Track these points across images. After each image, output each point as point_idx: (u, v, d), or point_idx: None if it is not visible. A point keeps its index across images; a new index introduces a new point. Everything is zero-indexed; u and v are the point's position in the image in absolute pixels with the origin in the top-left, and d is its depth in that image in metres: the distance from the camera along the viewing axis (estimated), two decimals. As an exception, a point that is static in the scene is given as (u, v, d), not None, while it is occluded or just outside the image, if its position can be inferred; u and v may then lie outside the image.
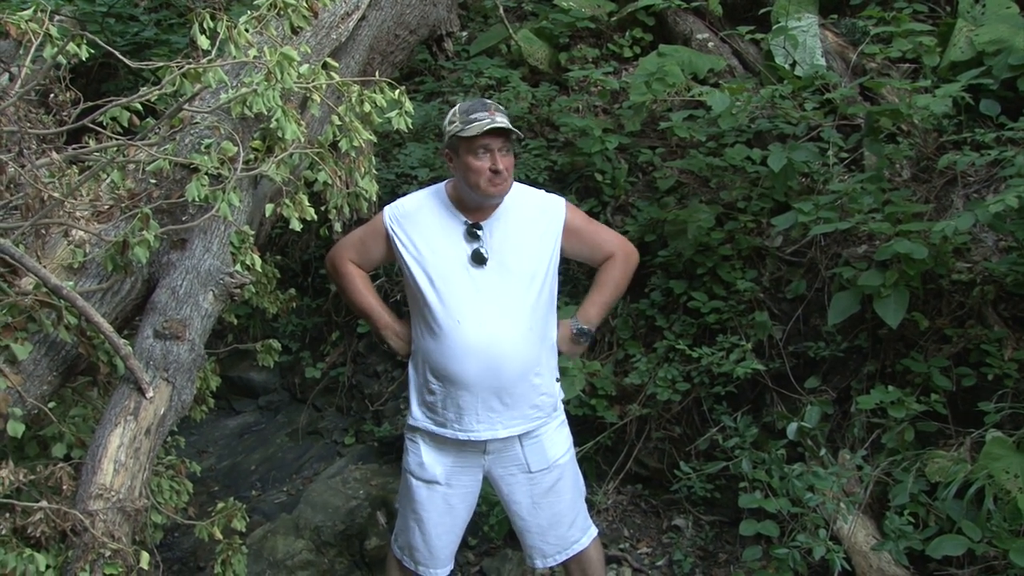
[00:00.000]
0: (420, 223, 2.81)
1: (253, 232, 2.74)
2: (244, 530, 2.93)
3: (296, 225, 2.65)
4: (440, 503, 2.91)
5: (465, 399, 2.79)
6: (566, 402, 3.90)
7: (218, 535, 2.77)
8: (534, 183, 4.70)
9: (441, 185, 2.88)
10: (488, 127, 2.62)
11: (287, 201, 2.63)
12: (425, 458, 2.89)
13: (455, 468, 2.90)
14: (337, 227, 3.12)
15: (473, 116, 2.65)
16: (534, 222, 2.84)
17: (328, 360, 5.26)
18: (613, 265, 3.02)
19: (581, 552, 3.07)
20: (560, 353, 3.01)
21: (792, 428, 3.52)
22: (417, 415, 2.89)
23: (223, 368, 3.80)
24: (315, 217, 2.71)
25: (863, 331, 3.69)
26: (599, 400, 4.06)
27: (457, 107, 2.73)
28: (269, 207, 2.66)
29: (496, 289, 2.76)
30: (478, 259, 2.75)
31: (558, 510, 2.99)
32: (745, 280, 3.98)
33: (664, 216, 4.23)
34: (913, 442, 3.33)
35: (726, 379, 3.82)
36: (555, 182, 4.79)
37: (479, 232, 2.77)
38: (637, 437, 4.11)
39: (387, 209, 2.88)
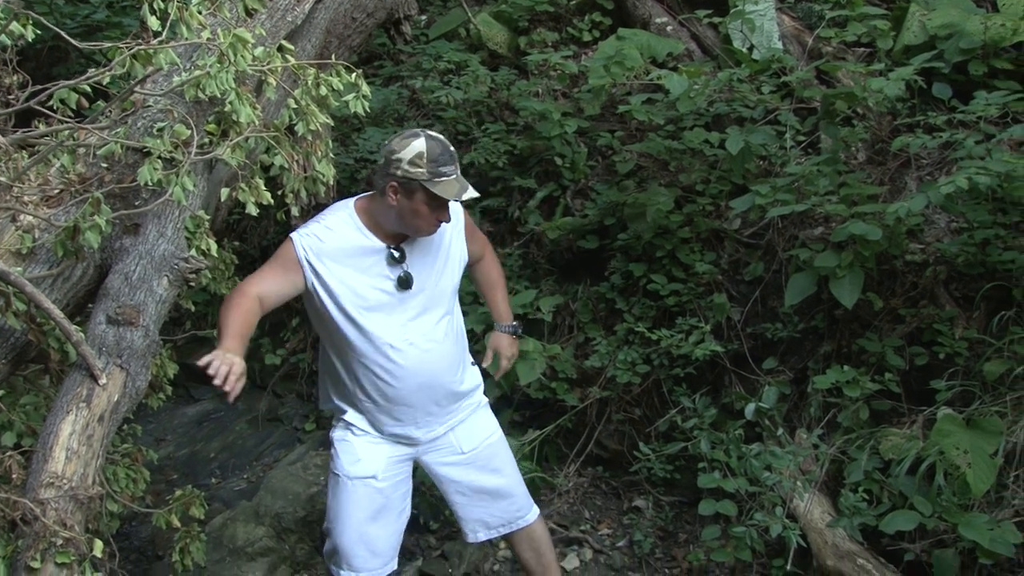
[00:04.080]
0: (339, 257, 2.69)
1: (209, 217, 2.70)
2: (203, 517, 2.92)
3: (252, 210, 2.62)
4: (378, 498, 2.89)
5: (402, 411, 2.85)
6: (526, 385, 3.95)
7: (176, 523, 2.74)
8: (494, 167, 4.72)
9: (349, 209, 2.77)
10: (465, 198, 2.61)
11: (243, 185, 2.60)
12: (361, 453, 2.88)
13: (390, 460, 2.92)
14: (295, 211, 3.08)
15: (442, 169, 2.58)
16: (443, 231, 2.81)
17: (288, 346, 5.22)
18: (492, 262, 3.19)
19: (529, 527, 3.12)
20: (506, 358, 3.22)
21: (750, 408, 3.58)
22: (351, 418, 2.89)
23: (181, 355, 3.75)
24: (272, 202, 2.67)
25: (819, 312, 3.74)
26: (560, 383, 4.07)
27: (420, 148, 2.58)
28: (225, 191, 2.63)
29: (422, 307, 2.78)
30: (404, 284, 2.73)
31: (500, 484, 3.05)
32: (704, 262, 4.01)
33: (623, 199, 4.24)
34: (867, 420, 3.39)
35: (685, 361, 3.86)
36: (515, 166, 4.78)
37: (401, 256, 2.74)
38: (597, 419, 4.13)
39: (299, 240, 2.69)
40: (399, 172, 2.59)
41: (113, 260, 2.44)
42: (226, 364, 2.32)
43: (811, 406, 3.57)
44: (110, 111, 2.56)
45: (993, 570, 2.95)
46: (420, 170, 2.58)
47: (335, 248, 2.69)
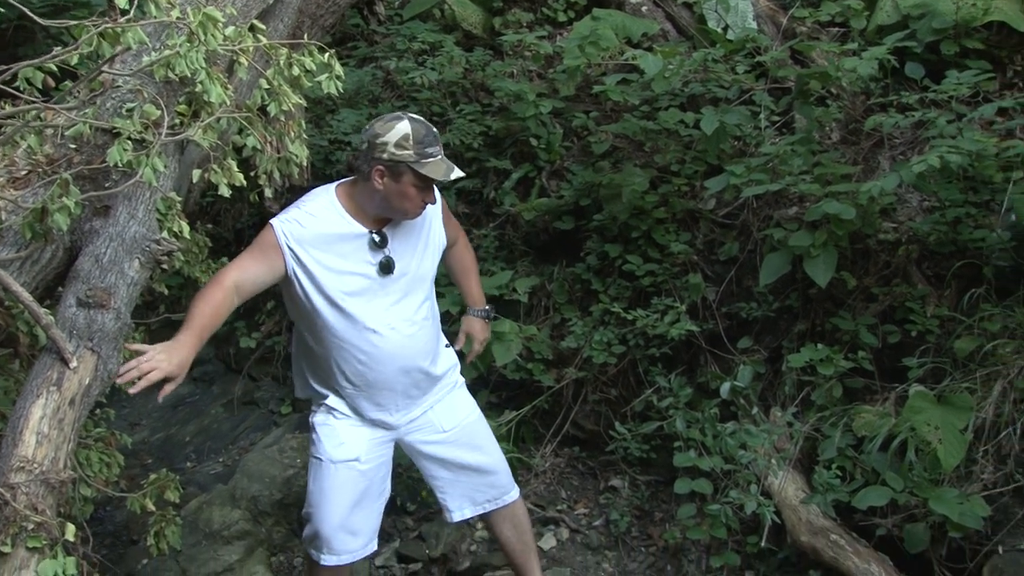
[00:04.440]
0: (320, 243, 2.67)
1: (180, 199, 2.67)
2: (178, 501, 2.90)
3: (225, 191, 2.58)
4: (361, 481, 2.89)
5: (383, 396, 2.86)
6: (503, 366, 3.95)
7: (150, 507, 2.73)
8: (469, 148, 4.70)
9: (330, 193, 2.76)
10: (453, 177, 2.63)
11: (215, 167, 2.57)
12: (344, 436, 2.88)
13: (372, 442, 2.92)
14: (268, 193, 3.05)
15: (429, 151, 2.60)
16: (425, 215, 2.81)
17: (263, 329, 5.19)
18: (466, 247, 3.21)
19: (513, 505, 3.14)
20: (479, 342, 3.26)
21: (725, 387, 3.60)
22: (332, 403, 2.89)
23: (155, 339, 3.70)
24: (245, 183, 2.64)
25: (794, 291, 3.76)
26: (536, 364, 4.08)
27: (405, 130, 2.59)
28: (196, 173, 2.60)
29: (403, 292, 2.78)
30: (386, 268, 2.73)
31: (484, 461, 3.07)
32: (679, 243, 4.02)
33: (599, 180, 4.24)
34: (841, 398, 3.43)
35: (661, 341, 3.87)
36: (490, 147, 4.77)
37: (383, 240, 2.73)
38: (574, 400, 4.14)
39: (279, 226, 2.67)
40: (385, 155, 2.59)
41: (83, 242, 2.40)
42: (147, 367, 2.31)
43: (785, 384, 3.60)
44: (78, 91, 2.52)
45: (963, 543, 2.99)
46: (407, 152, 2.58)
47: (316, 234, 2.67)
